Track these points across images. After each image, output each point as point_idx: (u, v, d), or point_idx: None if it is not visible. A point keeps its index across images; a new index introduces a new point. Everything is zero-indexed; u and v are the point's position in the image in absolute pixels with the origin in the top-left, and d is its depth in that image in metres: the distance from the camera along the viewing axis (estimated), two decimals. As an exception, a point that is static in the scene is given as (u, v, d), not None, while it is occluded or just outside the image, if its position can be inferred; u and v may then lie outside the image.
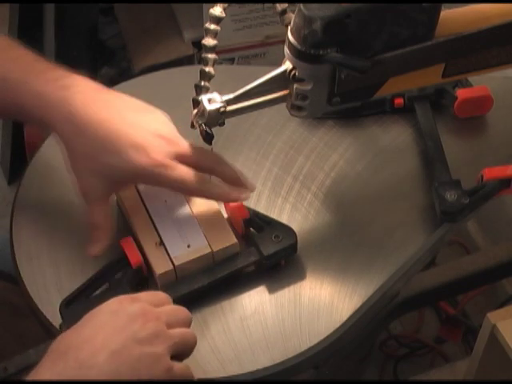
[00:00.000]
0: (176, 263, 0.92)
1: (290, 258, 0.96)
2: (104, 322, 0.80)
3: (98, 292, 0.92)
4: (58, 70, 0.93)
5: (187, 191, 0.94)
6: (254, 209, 0.98)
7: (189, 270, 0.92)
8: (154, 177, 0.90)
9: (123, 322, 0.80)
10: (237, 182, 0.95)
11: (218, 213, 0.96)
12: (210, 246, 0.93)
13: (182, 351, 0.83)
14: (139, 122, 0.91)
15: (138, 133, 0.90)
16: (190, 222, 0.95)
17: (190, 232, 0.94)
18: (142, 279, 0.93)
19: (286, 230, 0.96)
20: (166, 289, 0.91)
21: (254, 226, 0.96)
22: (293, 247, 0.95)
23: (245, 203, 0.98)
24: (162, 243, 0.93)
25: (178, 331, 0.83)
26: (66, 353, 0.77)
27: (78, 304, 0.90)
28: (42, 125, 0.92)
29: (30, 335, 1.03)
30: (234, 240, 0.94)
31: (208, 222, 0.95)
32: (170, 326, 0.82)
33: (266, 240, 0.94)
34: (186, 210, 0.96)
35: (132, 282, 0.92)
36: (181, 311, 0.85)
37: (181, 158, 0.91)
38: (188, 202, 0.97)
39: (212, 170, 0.94)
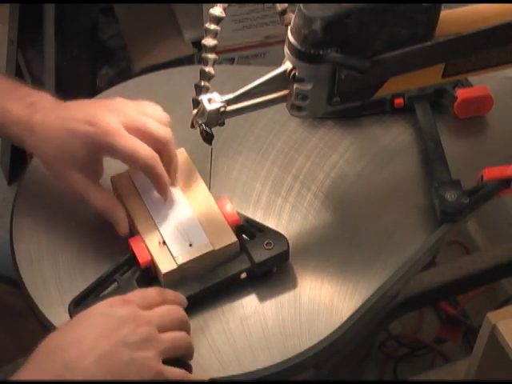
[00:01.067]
0: (179, 262, 0.92)
1: (283, 265, 0.95)
2: (93, 323, 0.80)
3: (106, 292, 0.92)
4: (24, 87, 0.99)
5: (136, 162, 0.94)
6: (246, 215, 0.98)
7: (192, 270, 0.92)
8: (106, 144, 0.93)
9: (113, 326, 0.80)
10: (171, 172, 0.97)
11: (217, 212, 0.96)
12: (211, 244, 0.93)
13: (173, 355, 0.83)
14: (92, 105, 0.97)
15: (89, 111, 0.94)
16: (190, 221, 0.95)
17: (191, 231, 0.94)
18: (150, 278, 0.93)
19: (279, 237, 0.95)
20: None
21: (246, 232, 0.96)
22: (285, 255, 0.95)
23: (244, 205, 0.98)
24: (164, 243, 0.93)
25: (170, 335, 0.83)
26: (53, 353, 0.77)
27: (86, 303, 0.90)
28: (17, 142, 0.97)
29: (28, 337, 1.03)
30: (234, 238, 0.94)
31: (208, 221, 0.95)
32: (162, 328, 0.82)
33: (258, 247, 0.94)
34: (186, 209, 0.96)
35: (141, 281, 0.92)
36: (174, 311, 0.85)
37: (130, 128, 0.94)
38: (188, 201, 0.97)
39: (159, 150, 0.95)
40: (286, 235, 0.96)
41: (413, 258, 0.97)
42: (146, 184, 0.97)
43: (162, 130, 0.96)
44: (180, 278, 0.92)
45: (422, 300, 1.21)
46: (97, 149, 0.93)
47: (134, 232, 0.95)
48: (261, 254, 0.93)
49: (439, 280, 1.20)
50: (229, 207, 0.96)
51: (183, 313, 0.86)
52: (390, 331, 1.66)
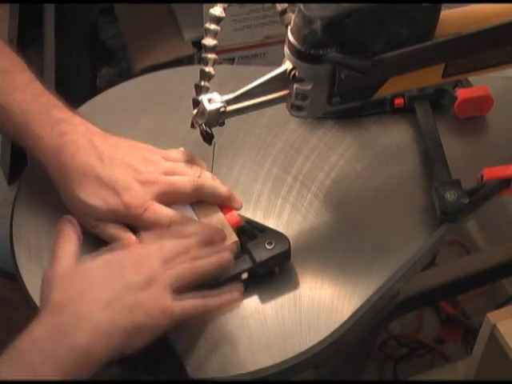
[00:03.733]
0: None
1: (284, 265, 0.95)
2: (96, 275, 0.84)
3: None
4: (58, 109, 0.96)
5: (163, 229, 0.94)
6: (247, 217, 0.97)
7: None
8: (129, 218, 0.93)
9: (115, 274, 0.83)
10: (224, 200, 0.97)
11: (218, 212, 0.96)
12: None
13: (184, 284, 0.86)
14: (121, 164, 0.94)
15: (117, 176, 0.93)
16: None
17: None
18: None
19: (280, 236, 0.95)
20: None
21: (247, 233, 0.96)
22: (286, 254, 0.94)
23: (244, 205, 0.98)
24: None
25: (174, 270, 0.85)
26: (63, 305, 0.81)
27: None
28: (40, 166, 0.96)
29: (20, 327, 1.03)
30: (235, 238, 0.94)
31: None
32: (167, 260, 0.86)
33: (259, 247, 0.94)
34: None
35: None
36: (177, 242, 0.89)
37: (160, 196, 0.94)
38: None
39: (197, 197, 0.96)
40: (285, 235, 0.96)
41: (413, 258, 0.97)
42: None
43: (189, 185, 0.96)
44: None
45: (422, 300, 1.21)
46: (121, 220, 0.94)
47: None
48: (262, 254, 0.93)
49: (439, 280, 1.20)
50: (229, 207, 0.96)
51: (188, 240, 0.89)
52: (390, 331, 1.66)
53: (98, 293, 0.82)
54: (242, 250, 0.94)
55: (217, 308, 0.90)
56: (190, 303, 0.85)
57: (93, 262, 0.85)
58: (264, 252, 0.93)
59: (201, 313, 0.87)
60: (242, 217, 0.96)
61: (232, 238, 0.94)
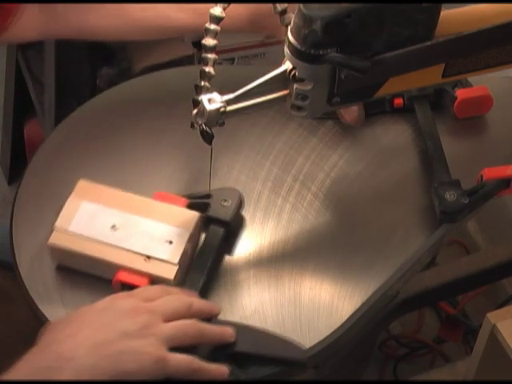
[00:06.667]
0: (176, 261, 0.91)
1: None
2: (92, 319, 0.81)
3: None
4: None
5: None
6: (186, 194, 0.98)
7: (184, 262, 0.93)
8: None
9: (112, 319, 0.80)
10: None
11: (163, 204, 0.96)
12: (185, 230, 0.93)
13: (181, 343, 0.82)
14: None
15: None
16: (151, 225, 0.94)
17: (160, 231, 0.93)
18: None
19: (228, 191, 0.98)
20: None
21: (198, 207, 0.96)
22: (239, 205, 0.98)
23: (244, 205, 0.98)
24: (148, 257, 0.92)
25: (174, 323, 0.82)
26: (48, 346, 0.78)
27: None
28: None
29: (17, 318, 1.04)
30: (197, 213, 0.95)
31: (164, 215, 0.95)
32: (166, 317, 0.82)
33: (218, 209, 0.96)
34: (136, 218, 0.95)
35: None
36: (178, 299, 0.85)
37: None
38: (129, 212, 0.96)
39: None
40: (285, 235, 0.96)
41: (413, 258, 0.97)
42: (83, 224, 0.94)
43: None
44: (180, 277, 0.92)
45: (421, 300, 1.21)
46: None
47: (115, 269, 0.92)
48: (226, 213, 0.96)
49: (439, 280, 1.20)
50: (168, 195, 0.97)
51: (190, 300, 0.86)
52: (390, 331, 1.66)
53: (87, 335, 0.78)
54: (208, 222, 0.96)
55: (206, 375, 0.83)
56: (186, 359, 0.81)
57: (90, 307, 0.82)
58: (225, 210, 0.96)
59: (192, 373, 0.81)
60: (184, 196, 0.97)
61: (194, 215, 0.95)
